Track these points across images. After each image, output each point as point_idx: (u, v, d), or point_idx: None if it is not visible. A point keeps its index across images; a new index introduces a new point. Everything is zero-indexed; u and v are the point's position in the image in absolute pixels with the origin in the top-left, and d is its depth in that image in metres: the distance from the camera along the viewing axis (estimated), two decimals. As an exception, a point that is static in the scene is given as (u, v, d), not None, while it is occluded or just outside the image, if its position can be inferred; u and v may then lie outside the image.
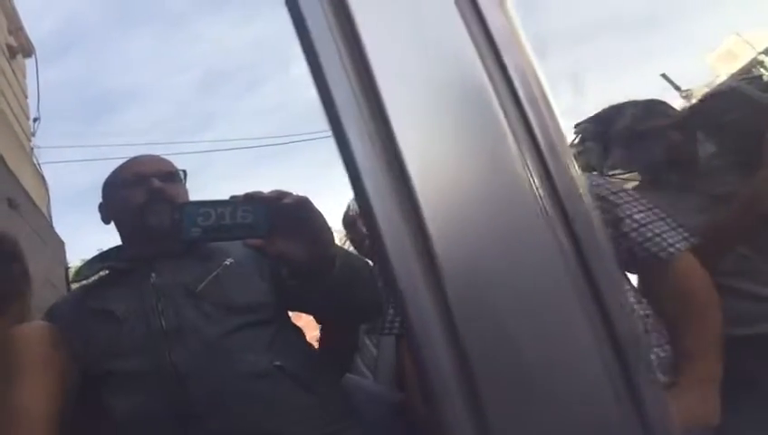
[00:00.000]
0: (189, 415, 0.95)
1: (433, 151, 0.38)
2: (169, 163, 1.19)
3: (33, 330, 1.04)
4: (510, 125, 0.39)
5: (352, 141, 0.38)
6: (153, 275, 1.07)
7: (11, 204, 3.70)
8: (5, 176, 3.86)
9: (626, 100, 1.49)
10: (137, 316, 1.03)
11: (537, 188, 0.38)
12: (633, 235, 1.13)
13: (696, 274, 1.13)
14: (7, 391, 0.95)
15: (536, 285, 0.38)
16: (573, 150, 1.51)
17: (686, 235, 1.15)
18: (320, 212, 0.93)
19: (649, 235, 1.13)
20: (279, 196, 0.89)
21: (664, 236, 1.13)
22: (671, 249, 1.12)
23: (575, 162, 0.41)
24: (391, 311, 1.21)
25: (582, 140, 1.52)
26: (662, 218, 1.16)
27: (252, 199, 0.89)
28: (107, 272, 1.13)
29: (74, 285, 1.23)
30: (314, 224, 0.92)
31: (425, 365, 0.36)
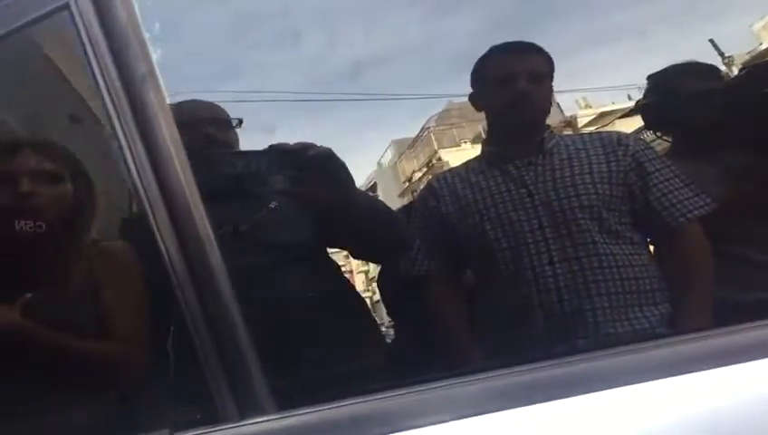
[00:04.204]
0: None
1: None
2: (223, 110, 1.27)
3: (129, 248, 1.14)
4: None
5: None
6: None
7: (74, 119, 3.74)
8: (66, 90, 3.88)
9: (685, 60, 1.51)
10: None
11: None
12: (655, 203, 1.23)
13: (697, 244, 1.23)
14: (125, 296, 1.06)
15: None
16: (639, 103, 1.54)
17: (705, 201, 1.23)
18: (341, 161, 1.05)
19: (667, 204, 1.23)
20: (303, 148, 1.02)
21: (678, 205, 1.23)
22: (681, 219, 1.22)
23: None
24: (419, 253, 1.30)
25: (647, 94, 1.54)
26: (687, 185, 1.24)
27: (277, 151, 1.01)
28: None
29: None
30: (336, 172, 1.05)
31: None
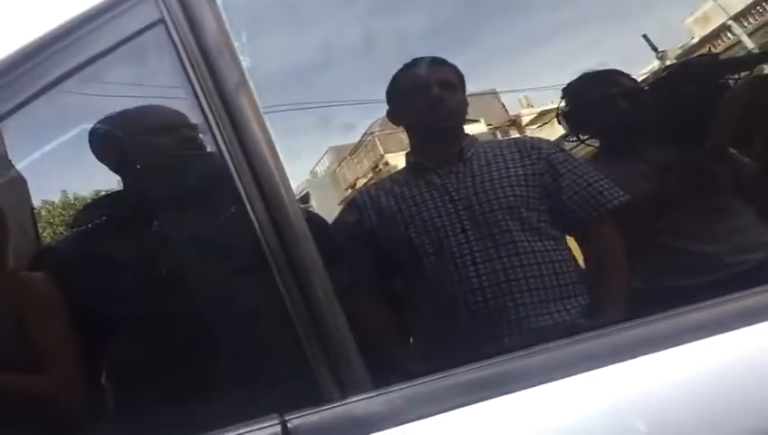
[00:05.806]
0: (187, 357, 1.04)
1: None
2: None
3: (44, 279, 1.11)
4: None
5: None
6: (155, 223, 1.13)
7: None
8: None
9: (591, 69, 1.58)
10: (138, 263, 1.09)
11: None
12: (569, 202, 1.30)
13: (609, 237, 1.29)
14: (35, 334, 1.04)
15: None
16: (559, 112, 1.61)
17: (616, 194, 1.30)
18: None
19: (580, 202, 1.30)
20: None
21: (591, 201, 1.29)
22: (594, 214, 1.29)
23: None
24: (343, 267, 1.31)
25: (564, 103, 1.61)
26: (598, 180, 1.31)
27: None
28: (105, 219, 1.16)
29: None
30: None
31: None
